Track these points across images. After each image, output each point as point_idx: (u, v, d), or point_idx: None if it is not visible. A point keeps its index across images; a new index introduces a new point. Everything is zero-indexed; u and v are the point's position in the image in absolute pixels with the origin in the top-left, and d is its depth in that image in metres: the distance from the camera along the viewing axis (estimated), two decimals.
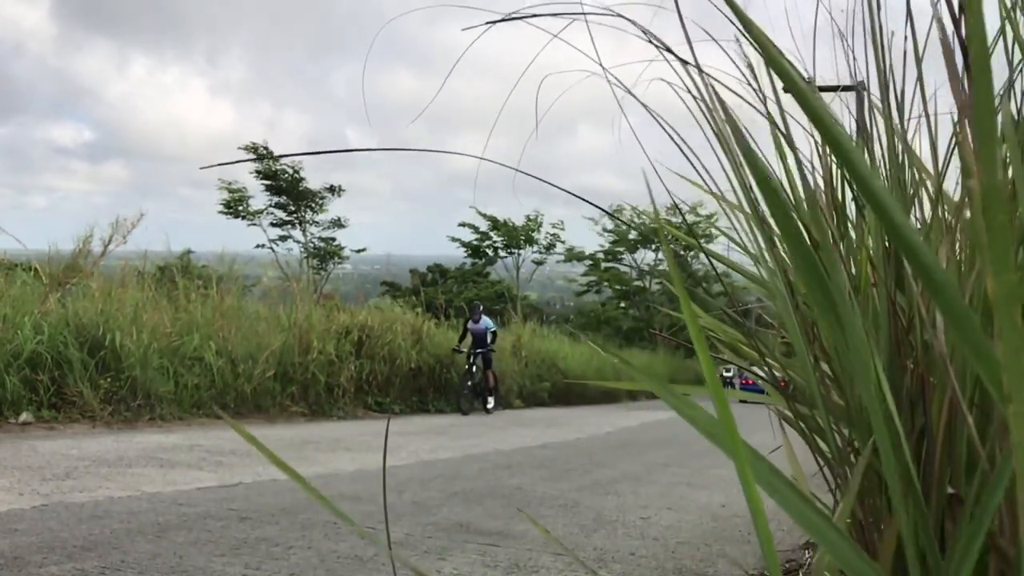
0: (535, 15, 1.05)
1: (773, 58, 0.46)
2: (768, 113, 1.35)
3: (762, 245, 1.38)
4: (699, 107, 1.28)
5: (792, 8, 1.53)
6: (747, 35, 1.33)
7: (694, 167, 1.41)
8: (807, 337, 1.23)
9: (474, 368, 13.78)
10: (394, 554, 3.22)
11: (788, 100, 1.68)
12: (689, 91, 1.27)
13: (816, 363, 1.24)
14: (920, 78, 1.27)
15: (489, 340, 14.27)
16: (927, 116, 1.30)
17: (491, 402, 14.26)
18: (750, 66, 1.58)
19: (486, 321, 14.44)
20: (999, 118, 1.09)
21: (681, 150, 1.35)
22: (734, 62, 1.46)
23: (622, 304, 40.16)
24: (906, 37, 1.22)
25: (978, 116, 0.46)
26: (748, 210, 1.33)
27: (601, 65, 1.21)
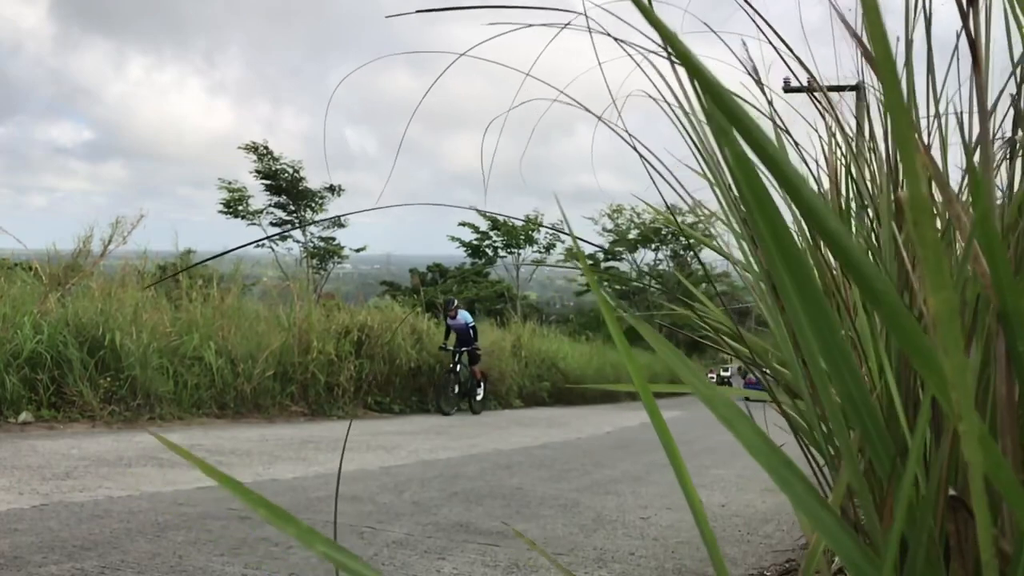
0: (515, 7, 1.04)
1: (681, 52, 0.44)
2: (770, 113, 1.35)
3: (746, 246, 1.38)
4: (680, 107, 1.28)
5: (794, 6, 1.53)
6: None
7: (699, 163, 1.41)
8: (792, 336, 1.22)
9: (458, 367, 13.27)
10: (392, 554, 3.22)
11: (793, 99, 1.67)
12: (666, 98, 1.26)
13: (804, 364, 1.23)
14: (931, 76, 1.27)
15: (473, 336, 13.68)
16: (916, 115, 1.30)
17: (480, 393, 13.80)
18: (753, 68, 1.57)
19: (464, 315, 13.73)
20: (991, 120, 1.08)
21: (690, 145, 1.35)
22: (748, 58, 1.45)
23: (621, 303, 40.21)
24: (900, 37, 1.21)
25: (896, 126, 0.44)
26: (731, 212, 1.32)
27: (562, 91, 1.20)
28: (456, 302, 14.16)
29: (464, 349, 13.47)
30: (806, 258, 0.42)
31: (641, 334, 0.86)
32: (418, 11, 0.96)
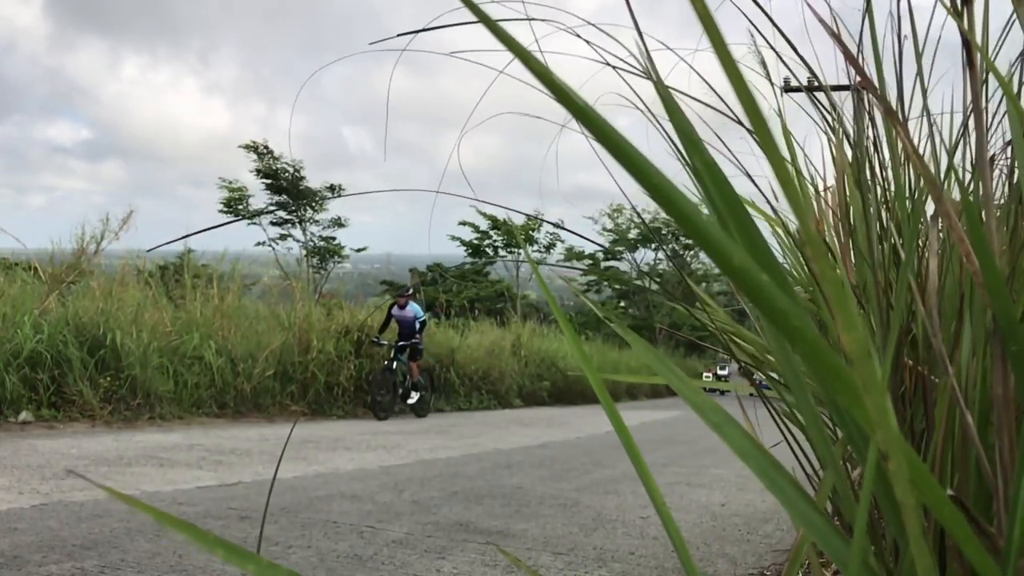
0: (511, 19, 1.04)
1: (537, 71, 0.41)
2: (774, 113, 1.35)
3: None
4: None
5: (793, 4, 1.53)
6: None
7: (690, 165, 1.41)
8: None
9: (394, 364, 11.46)
10: (392, 553, 3.22)
11: (794, 99, 1.68)
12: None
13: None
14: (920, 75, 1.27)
15: (418, 329, 11.91)
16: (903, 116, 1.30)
17: (415, 396, 11.88)
18: (763, 63, 1.58)
19: (414, 307, 11.98)
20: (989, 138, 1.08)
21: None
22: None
23: (621, 303, 40.20)
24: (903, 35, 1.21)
25: (775, 169, 0.41)
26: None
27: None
28: (411, 291, 12.53)
29: (403, 344, 11.71)
30: (757, 271, 0.39)
31: (639, 337, 0.86)
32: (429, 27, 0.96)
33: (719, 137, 1.41)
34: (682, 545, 0.59)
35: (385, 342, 11.69)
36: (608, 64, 1.21)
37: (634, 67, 1.22)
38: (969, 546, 0.45)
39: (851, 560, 0.45)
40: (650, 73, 0.92)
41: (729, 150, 1.49)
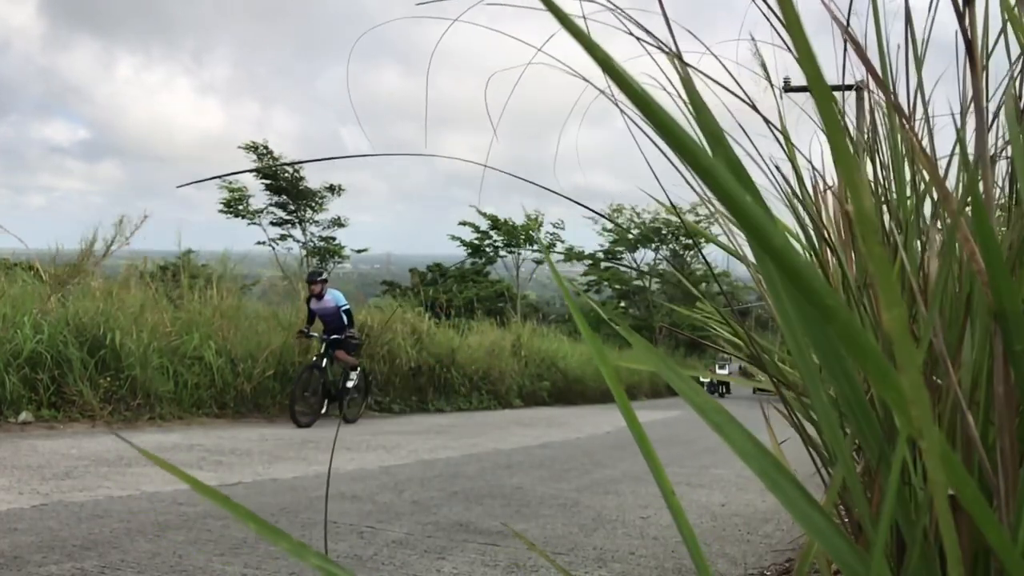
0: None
1: (601, 59, 0.43)
2: (775, 117, 1.35)
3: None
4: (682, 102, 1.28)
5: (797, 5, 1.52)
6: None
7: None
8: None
9: (324, 362, 9.76)
10: (392, 553, 3.22)
11: (798, 99, 1.67)
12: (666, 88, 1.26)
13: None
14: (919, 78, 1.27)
15: (347, 322, 10.04)
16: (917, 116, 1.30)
17: (353, 394, 10.22)
18: (763, 65, 1.58)
19: (335, 296, 10.14)
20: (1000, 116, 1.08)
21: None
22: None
23: (622, 303, 40.22)
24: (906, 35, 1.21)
25: (831, 139, 0.42)
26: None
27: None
28: (324, 275, 10.43)
29: (334, 337, 9.90)
30: (795, 253, 0.41)
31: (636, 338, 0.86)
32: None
33: (744, 131, 1.41)
34: (693, 540, 0.59)
35: (315, 334, 10.13)
36: (641, 43, 1.20)
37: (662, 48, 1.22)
38: (990, 529, 0.45)
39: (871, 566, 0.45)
40: (676, 61, 0.91)
41: (752, 144, 1.49)
